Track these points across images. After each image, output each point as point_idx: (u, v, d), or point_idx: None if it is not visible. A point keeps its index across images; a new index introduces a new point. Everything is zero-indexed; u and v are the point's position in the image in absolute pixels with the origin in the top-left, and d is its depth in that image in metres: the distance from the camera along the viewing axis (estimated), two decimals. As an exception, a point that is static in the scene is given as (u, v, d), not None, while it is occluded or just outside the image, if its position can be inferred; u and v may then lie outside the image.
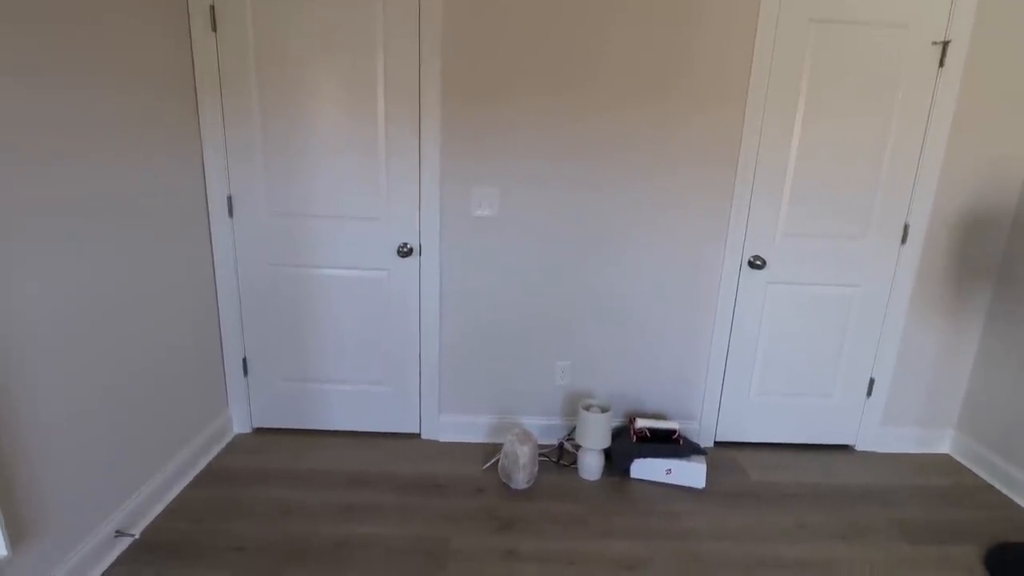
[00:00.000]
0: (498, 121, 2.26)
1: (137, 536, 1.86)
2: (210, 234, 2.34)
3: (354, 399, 2.58)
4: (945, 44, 2.20)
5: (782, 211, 2.37)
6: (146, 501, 1.96)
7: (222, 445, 2.48)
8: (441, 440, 2.61)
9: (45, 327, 1.51)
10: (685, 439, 2.40)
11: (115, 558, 1.79)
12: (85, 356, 1.66)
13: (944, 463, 2.58)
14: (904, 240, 2.40)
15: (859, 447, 2.67)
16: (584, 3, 2.15)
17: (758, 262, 2.39)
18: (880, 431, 2.64)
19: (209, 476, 2.27)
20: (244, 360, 2.51)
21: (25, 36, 1.42)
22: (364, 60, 2.20)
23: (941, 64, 2.22)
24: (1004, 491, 2.36)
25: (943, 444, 2.66)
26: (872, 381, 2.58)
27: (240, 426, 2.58)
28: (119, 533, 1.80)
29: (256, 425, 2.61)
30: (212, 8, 2.14)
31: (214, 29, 2.16)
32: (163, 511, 2.04)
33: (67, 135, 1.57)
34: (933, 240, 2.41)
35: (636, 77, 2.22)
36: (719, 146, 2.29)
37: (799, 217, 2.37)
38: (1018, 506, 2.27)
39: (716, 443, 2.67)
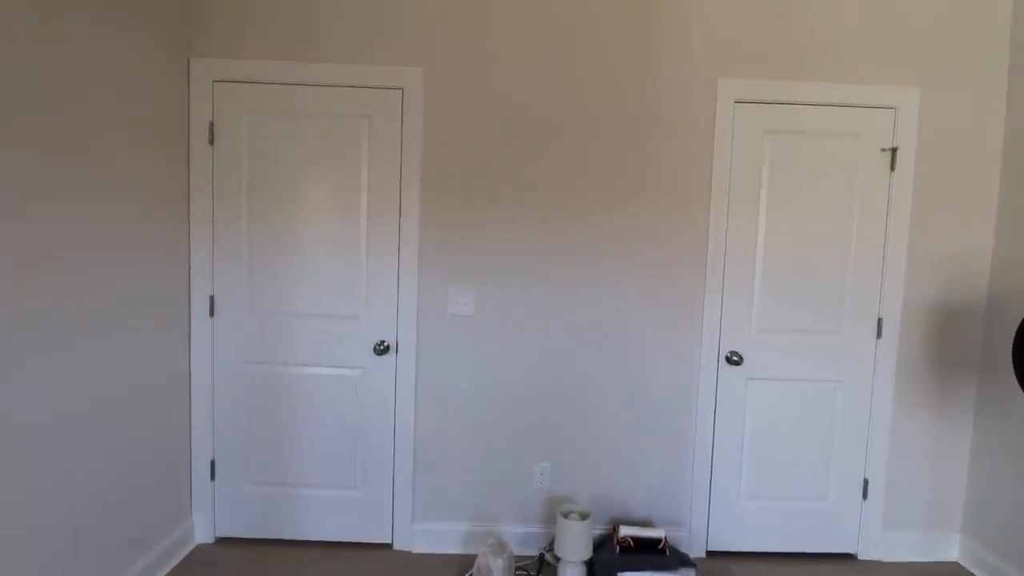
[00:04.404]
0: (474, 226, 2.36)
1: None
2: (189, 334, 2.36)
3: (324, 505, 2.46)
4: (894, 150, 2.34)
5: (754, 307, 2.40)
6: (87, 623, 1.81)
7: (181, 556, 2.32)
8: (414, 551, 2.45)
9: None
10: (672, 548, 2.25)
11: None
12: (29, 466, 1.61)
13: (954, 572, 2.39)
14: (879, 334, 2.40)
15: (862, 556, 2.49)
16: (558, 127, 2.33)
17: (735, 358, 2.38)
18: (882, 537, 2.48)
19: (161, 593, 2.11)
20: (212, 463, 2.43)
21: (26, 157, 1.52)
22: (350, 172, 2.35)
23: (892, 168, 2.35)
24: (1022, 606, 2.17)
25: (951, 551, 2.49)
26: (866, 482, 2.46)
27: (202, 535, 2.44)
28: (50, 661, 1.64)
29: (219, 534, 2.46)
30: (212, 124, 2.32)
31: (212, 143, 2.33)
32: (105, 635, 1.88)
33: (56, 247, 1.64)
34: (908, 334, 2.41)
35: (605, 187, 2.34)
36: (688, 248, 2.37)
37: (771, 313, 2.40)
38: (1039, 624, 2.09)
39: (708, 552, 2.50)
